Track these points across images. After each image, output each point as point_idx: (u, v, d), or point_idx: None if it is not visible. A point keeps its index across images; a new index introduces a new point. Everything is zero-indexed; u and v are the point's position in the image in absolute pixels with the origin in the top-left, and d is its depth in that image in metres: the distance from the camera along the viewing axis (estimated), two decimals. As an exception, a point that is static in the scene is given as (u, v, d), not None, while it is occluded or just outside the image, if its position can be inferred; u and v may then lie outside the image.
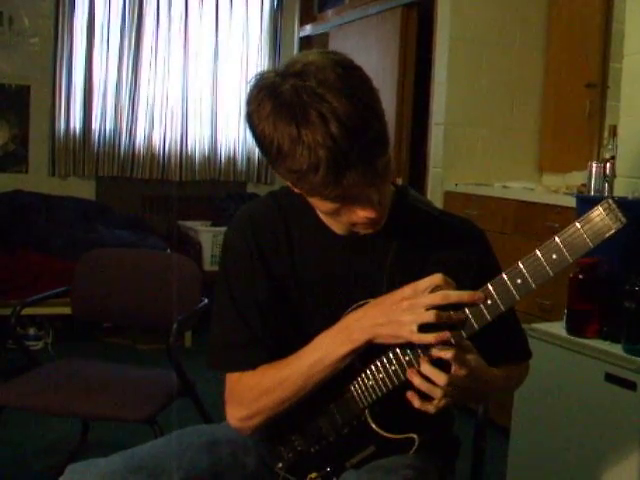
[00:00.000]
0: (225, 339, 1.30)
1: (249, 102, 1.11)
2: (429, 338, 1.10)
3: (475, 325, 1.11)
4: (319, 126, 1.03)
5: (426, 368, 1.11)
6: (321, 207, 1.18)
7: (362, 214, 1.15)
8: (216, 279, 1.34)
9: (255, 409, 1.26)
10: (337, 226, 1.27)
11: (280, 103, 1.06)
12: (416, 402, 1.13)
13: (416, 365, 1.14)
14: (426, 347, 1.13)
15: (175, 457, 1.30)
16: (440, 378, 1.09)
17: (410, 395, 1.14)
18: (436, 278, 1.12)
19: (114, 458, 1.29)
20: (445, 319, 1.09)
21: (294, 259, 1.29)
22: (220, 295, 1.31)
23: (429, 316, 1.09)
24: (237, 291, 1.29)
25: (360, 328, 1.16)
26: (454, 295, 1.10)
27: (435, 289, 1.11)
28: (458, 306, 1.10)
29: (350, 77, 1.07)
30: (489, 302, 1.09)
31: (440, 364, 1.12)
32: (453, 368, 1.10)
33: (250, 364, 1.27)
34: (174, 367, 2.22)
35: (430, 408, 1.12)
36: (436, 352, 1.11)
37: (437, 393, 1.10)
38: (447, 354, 1.09)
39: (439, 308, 1.10)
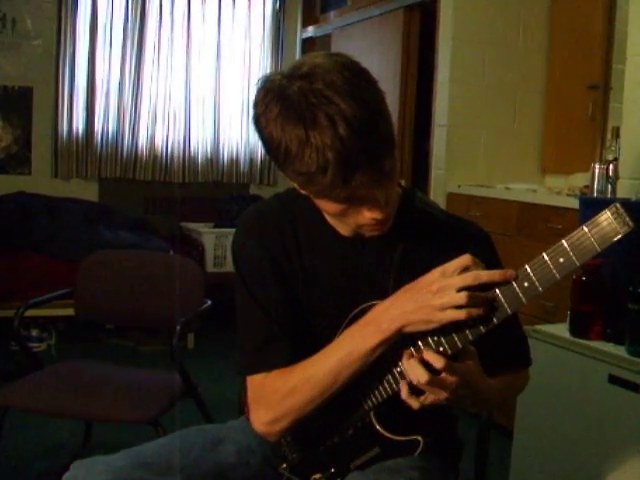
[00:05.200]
0: (250, 342, 1.28)
1: (256, 105, 1.11)
2: (461, 315, 1.05)
3: (482, 328, 1.09)
4: (327, 128, 1.03)
5: (412, 362, 1.08)
6: (328, 209, 1.18)
7: (369, 215, 1.15)
8: (234, 286, 1.31)
9: (281, 411, 1.21)
10: (343, 228, 1.27)
11: (287, 105, 1.06)
12: (403, 392, 1.11)
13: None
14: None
15: (180, 455, 1.30)
16: (422, 376, 1.06)
17: (402, 383, 1.12)
18: (465, 259, 1.07)
19: (119, 455, 1.29)
20: (476, 299, 1.05)
21: (302, 260, 1.30)
22: (241, 301, 1.29)
23: (460, 298, 1.04)
24: (257, 293, 1.28)
25: (389, 317, 1.12)
26: (485, 275, 1.05)
27: (464, 270, 1.06)
28: (487, 287, 1.06)
29: (357, 80, 1.07)
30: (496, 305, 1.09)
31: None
32: (443, 374, 1.07)
33: (273, 364, 1.24)
34: (177, 369, 2.22)
35: (414, 403, 1.10)
36: (428, 356, 1.08)
37: (421, 383, 1.07)
38: (438, 363, 1.06)
39: (470, 289, 1.05)
